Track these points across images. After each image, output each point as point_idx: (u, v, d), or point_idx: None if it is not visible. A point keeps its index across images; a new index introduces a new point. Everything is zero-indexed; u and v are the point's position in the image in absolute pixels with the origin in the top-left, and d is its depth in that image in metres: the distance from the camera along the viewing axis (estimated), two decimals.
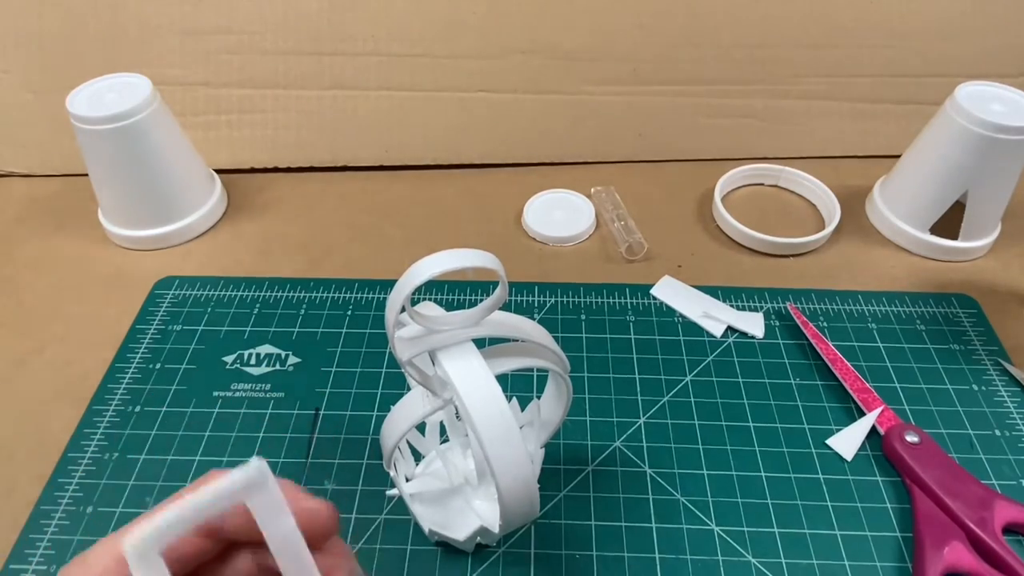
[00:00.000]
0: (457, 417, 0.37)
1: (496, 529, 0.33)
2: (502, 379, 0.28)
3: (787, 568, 0.36)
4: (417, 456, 0.39)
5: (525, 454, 0.27)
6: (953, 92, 0.50)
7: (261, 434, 0.42)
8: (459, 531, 0.35)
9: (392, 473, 0.33)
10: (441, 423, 0.38)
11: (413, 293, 0.26)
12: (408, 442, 0.38)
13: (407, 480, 0.37)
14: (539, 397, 0.37)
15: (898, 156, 0.55)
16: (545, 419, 0.36)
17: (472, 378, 0.27)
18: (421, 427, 0.38)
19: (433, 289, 0.50)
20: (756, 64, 0.61)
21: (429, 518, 0.36)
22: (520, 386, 0.44)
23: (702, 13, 0.60)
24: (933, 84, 0.60)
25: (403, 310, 0.27)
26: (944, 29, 0.60)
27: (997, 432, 0.42)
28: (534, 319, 0.48)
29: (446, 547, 0.36)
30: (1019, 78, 0.58)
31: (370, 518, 0.38)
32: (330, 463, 0.40)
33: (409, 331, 0.29)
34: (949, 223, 0.52)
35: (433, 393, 0.29)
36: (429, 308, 0.30)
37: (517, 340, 0.30)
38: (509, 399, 0.40)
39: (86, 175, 0.52)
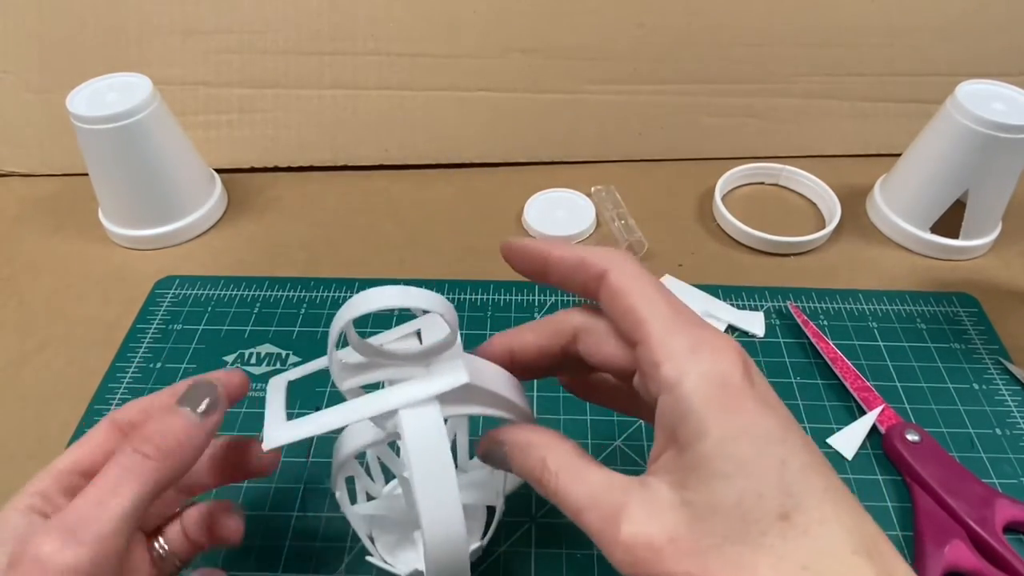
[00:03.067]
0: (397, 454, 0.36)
1: None
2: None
3: None
4: (389, 475, 0.38)
5: (460, 521, 0.26)
6: (954, 91, 0.50)
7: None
8: (402, 566, 0.33)
9: (338, 495, 0.32)
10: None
11: (357, 322, 0.25)
12: (379, 460, 0.36)
13: (369, 498, 0.36)
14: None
15: (898, 155, 0.55)
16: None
17: (424, 434, 0.26)
18: (396, 447, 0.37)
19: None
20: (756, 63, 0.61)
21: (380, 543, 0.34)
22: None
23: (702, 12, 0.59)
24: (934, 83, 0.60)
25: (344, 341, 0.27)
26: (945, 28, 0.60)
27: (998, 431, 0.42)
28: (534, 319, 0.48)
29: None
30: (1020, 77, 0.58)
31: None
32: (331, 462, 0.40)
33: (352, 356, 0.28)
34: (950, 222, 0.52)
35: (375, 423, 0.28)
36: (379, 337, 0.29)
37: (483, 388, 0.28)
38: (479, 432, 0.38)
39: (86, 175, 0.52)
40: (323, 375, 0.45)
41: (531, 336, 0.29)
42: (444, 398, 0.26)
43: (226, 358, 0.46)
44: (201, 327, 0.48)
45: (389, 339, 0.31)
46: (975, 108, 0.48)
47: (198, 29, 0.59)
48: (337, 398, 0.43)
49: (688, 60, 0.60)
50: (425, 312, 0.27)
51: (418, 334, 0.30)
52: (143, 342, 0.47)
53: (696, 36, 0.60)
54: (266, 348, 0.46)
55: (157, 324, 0.48)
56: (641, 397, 0.26)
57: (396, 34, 0.59)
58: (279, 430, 0.28)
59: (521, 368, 0.30)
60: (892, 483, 0.39)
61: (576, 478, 0.24)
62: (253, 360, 0.46)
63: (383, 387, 0.28)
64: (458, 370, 0.27)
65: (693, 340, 0.24)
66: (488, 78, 0.61)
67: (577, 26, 0.60)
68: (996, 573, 0.34)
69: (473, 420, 0.40)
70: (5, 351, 0.47)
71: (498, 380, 0.28)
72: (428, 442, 0.26)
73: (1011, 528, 0.37)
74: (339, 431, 0.29)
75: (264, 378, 0.45)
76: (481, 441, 0.29)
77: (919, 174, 0.53)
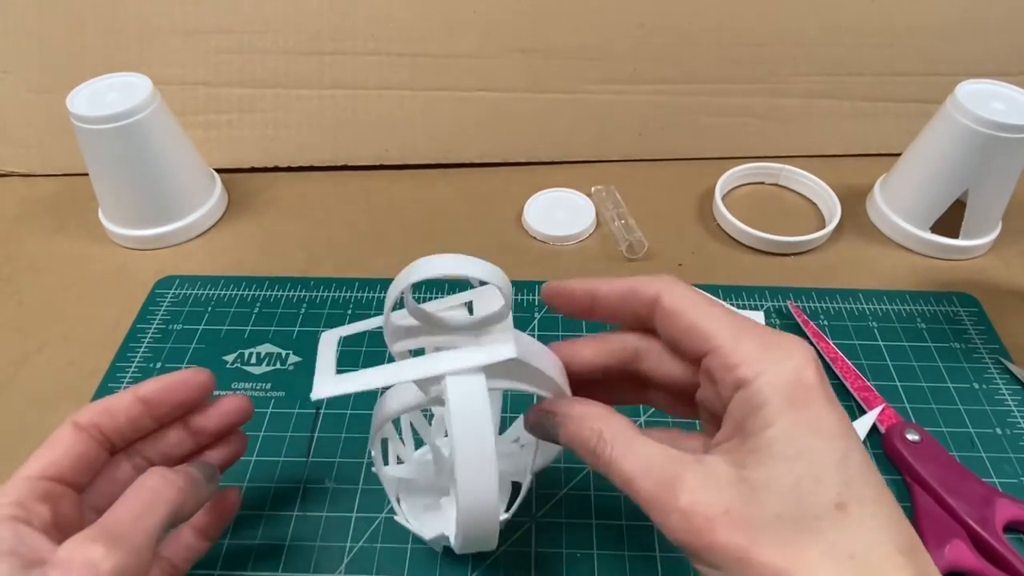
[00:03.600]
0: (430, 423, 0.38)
1: (454, 543, 0.32)
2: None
3: None
4: (419, 442, 0.39)
5: (495, 489, 0.27)
6: (954, 90, 0.50)
7: (262, 433, 0.42)
8: (427, 530, 0.34)
9: (374, 453, 0.33)
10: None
11: (413, 289, 0.26)
12: (412, 426, 0.38)
13: (399, 462, 0.37)
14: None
15: (899, 154, 0.55)
16: (544, 445, 0.35)
17: (468, 401, 0.27)
18: (428, 416, 0.38)
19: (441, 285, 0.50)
20: (756, 63, 0.61)
21: (407, 505, 0.36)
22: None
23: (702, 12, 0.59)
24: (934, 82, 0.60)
25: (400, 303, 0.27)
26: (945, 27, 0.60)
27: (998, 430, 0.42)
28: (535, 319, 0.48)
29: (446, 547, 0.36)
30: (1020, 76, 0.58)
31: (371, 517, 0.38)
32: (331, 462, 0.40)
33: (405, 319, 0.29)
34: (950, 221, 0.52)
35: (419, 387, 0.28)
36: (432, 305, 0.30)
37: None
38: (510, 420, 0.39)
39: (86, 175, 0.52)
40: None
41: (589, 352, 0.30)
42: (490, 370, 0.27)
43: (226, 358, 0.46)
44: (201, 327, 0.48)
45: (441, 307, 0.31)
46: (975, 108, 0.48)
47: (198, 29, 0.59)
48: (338, 399, 0.43)
49: (688, 60, 0.60)
50: (481, 283, 0.27)
51: (469, 306, 0.31)
52: (143, 342, 0.47)
53: (696, 36, 0.60)
54: (266, 348, 0.46)
55: (157, 324, 0.48)
56: (701, 410, 0.27)
57: (396, 34, 0.59)
58: (327, 384, 0.28)
59: (572, 383, 0.30)
60: (892, 483, 0.39)
61: (631, 449, 0.25)
62: (253, 360, 0.46)
63: (434, 350, 0.28)
64: (507, 343, 0.27)
65: (763, 341, 0.25)
66: (488, 78, 0.61)
67: (577, 26, 0.60)
68: (996, 573, 0.34)
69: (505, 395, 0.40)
70: (5, 351, 0.47)
71: (544, 359, 0.29)
72: (472, 409, 0.26)
73: (1011, 528, 0.37)
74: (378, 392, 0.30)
75: (264, 378, 0.45)
76: (530, 412, 0.29)
77: (919, 174, 0.53)
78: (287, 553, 0.37)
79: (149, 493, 0.28)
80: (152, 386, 0.32)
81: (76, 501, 0.29)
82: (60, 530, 0.28)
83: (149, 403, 0.32)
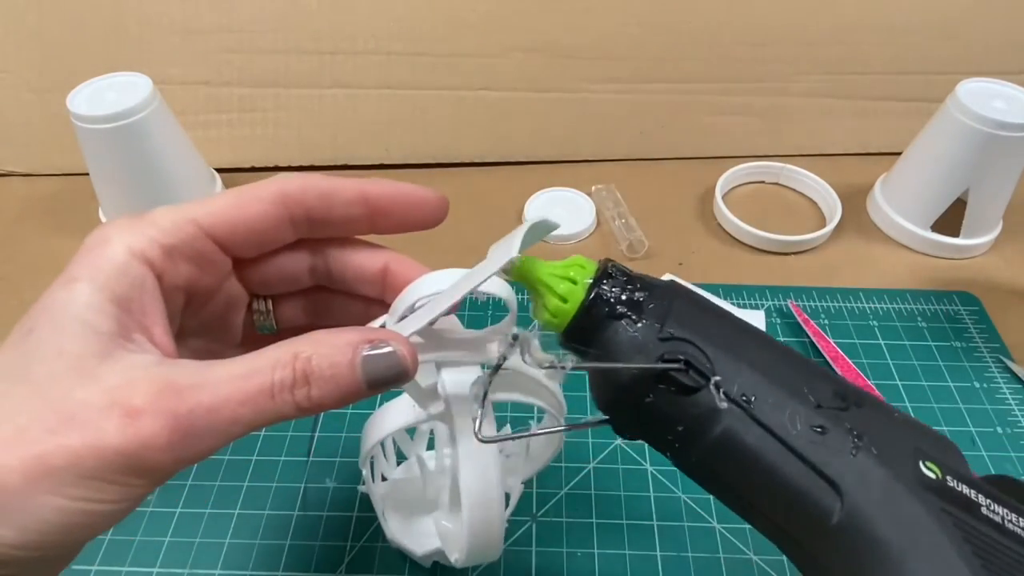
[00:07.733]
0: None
1: (453, 558, 0.32)
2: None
3: (788, 565, 0.36)
4: (401, 457, 0.38)
5: (501, 501, 0.27)
6: (954, 89, 0.50)
7: (262, 433, 0.42)
8: (418, 545, 0.34)
9: (364, 472, 0.33)
10: (431, 432, 0.37)
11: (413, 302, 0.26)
12: (394, 441, 0.37)
13: (384, 480, 0.36)
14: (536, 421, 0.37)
15: (899, 153, 0.55)
16: (533, 455, 0.35)
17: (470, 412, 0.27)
18: (410, 430, 0.37)
19: None
20: (757, 62, 0.61)
21: (395, 523, 0.35)
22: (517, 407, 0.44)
23: (703, 11, 0.59)
24: (934, 81, 0.60)
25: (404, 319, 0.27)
26: (945, 26, 0.60)
27: (999, 429, 0.42)
28: (534, 319, 0.48)
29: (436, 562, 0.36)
30: (1021, 75, 0.58)
31: (371, 517, 0.38)
32: (331, 461, 0.40)
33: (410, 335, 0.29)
34: (951, 220, 0.52)
35: (419, 403, 0.28)
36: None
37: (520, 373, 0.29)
38: (503, 423, 0.39)
39: (86, 174, 0.52)
40: None
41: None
42: (492, 384, 0.27)
43: None
44: None
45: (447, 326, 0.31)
46: (976, 106, 0.48)
47: (198, 29, 0.59)
48: None
49: (689, 59, 0.60)
50: (488, 297, 0.27)
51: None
52: None
53: (696, 35, 0.60)
54: None
55: None
56: None
57: (396, 34, 0.59)
58: None
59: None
60: None
61: None
62: None
63: (435, 366, 0.28)
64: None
65: None
66: (488, 77, 0.60)
67: (578, 25, 0.60)
68: None
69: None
70: None
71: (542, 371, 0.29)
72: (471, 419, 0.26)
73: None
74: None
75: None
76: None
77: (920, 172, 0.53)
78: (287, 553, 0.37)
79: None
80: (384, 190, 0.26)
81: (219, 281, 0.23)
82: (190, 301, 0.22)
83: (373, 209, 0.26)
